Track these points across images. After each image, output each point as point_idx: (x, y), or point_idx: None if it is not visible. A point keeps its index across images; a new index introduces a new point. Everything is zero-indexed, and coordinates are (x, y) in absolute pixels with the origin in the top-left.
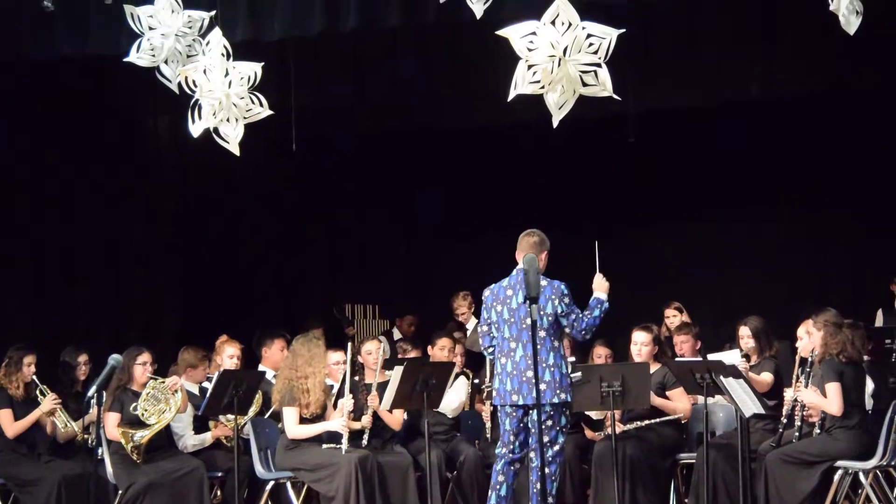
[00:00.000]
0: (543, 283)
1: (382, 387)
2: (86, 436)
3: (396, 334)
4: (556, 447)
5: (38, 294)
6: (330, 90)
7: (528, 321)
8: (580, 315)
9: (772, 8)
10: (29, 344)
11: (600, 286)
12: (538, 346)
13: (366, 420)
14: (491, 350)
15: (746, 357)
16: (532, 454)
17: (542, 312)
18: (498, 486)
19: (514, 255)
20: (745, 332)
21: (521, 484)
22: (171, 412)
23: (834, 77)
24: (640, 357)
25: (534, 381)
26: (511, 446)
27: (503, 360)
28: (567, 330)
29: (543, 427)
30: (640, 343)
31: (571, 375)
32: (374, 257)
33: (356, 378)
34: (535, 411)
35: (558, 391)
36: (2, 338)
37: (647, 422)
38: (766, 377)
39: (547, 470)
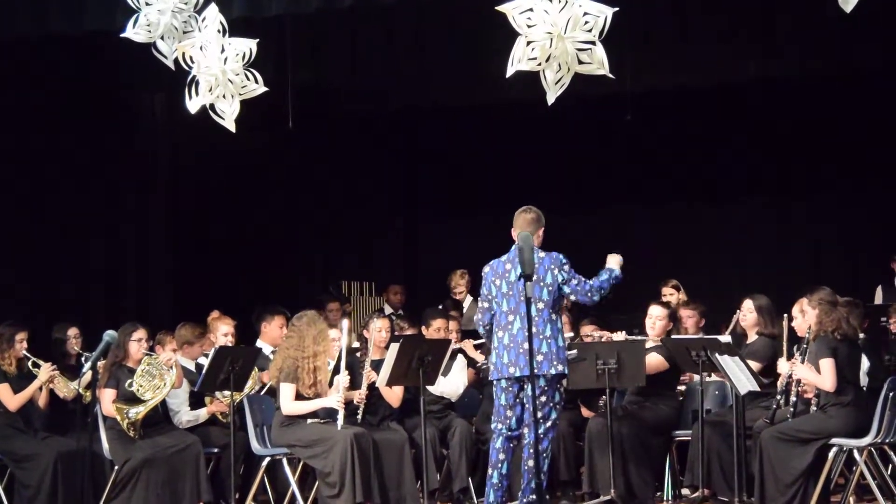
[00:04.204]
0: (541, 254)
1: (378, 364)
2: (87, 391)
3: (387, 309)
4: (549, 423)
5: (32, 268)
6: (327, 67)
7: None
8: (583, 280)
9: None
10: (20, 321)
11: (612, 260)
12: (535, 318)
13: (359, 395)
14: (489, 327)
15: (745, 335)
16: (525, 430)
17: (541, 284)
18: (500, 465)
19: (511, 232)
20: (748, 305)
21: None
22: (165, 388)
23: (832, 58)
24: (653, 330)
25: (530, 352)
26: (508, 422)
27: (500, 333)
28: (573, 297)
29: (537, 403)
30: (656, 317)
31: (567, 354)
32: (370, 234)
33: (358, 354)
34: (530, 385)
35: (555, 362)
36: None
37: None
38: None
39: (539, 446)
